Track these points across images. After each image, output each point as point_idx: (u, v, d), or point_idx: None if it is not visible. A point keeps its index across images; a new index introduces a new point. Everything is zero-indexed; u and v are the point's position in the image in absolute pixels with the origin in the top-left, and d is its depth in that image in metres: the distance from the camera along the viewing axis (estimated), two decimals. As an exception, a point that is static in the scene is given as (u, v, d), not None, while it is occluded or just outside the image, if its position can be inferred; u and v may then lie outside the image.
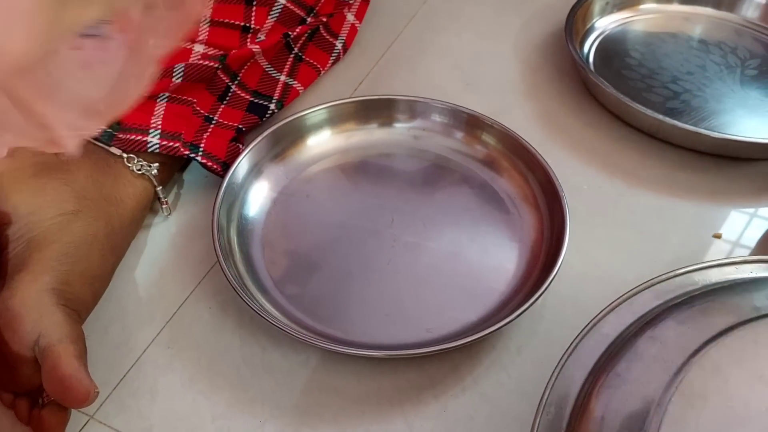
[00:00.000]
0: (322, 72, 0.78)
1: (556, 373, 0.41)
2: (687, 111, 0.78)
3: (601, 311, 0.44)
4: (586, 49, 0.86)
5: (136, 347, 0.57)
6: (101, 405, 0.53)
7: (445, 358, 0.56)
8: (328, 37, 0.79)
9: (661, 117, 0.72)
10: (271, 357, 0.56)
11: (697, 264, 0.47)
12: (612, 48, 0.86)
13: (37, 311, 0.49)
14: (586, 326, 0.43)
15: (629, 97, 0.74)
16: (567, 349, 0.43)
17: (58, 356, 0.47)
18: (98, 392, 0.48)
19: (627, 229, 0.66)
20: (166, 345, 0.57)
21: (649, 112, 0.72)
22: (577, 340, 0.42)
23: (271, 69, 0.72)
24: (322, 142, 0.71)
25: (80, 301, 0.52)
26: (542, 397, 0.40)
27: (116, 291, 0.60)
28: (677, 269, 0.46)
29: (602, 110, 0.78)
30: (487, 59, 0.85)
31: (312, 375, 0.55)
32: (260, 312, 0.54)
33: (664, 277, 0.46)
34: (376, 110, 0.72)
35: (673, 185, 0.71)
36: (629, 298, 0.45)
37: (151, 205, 0.65)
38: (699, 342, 0.38)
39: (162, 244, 0.64)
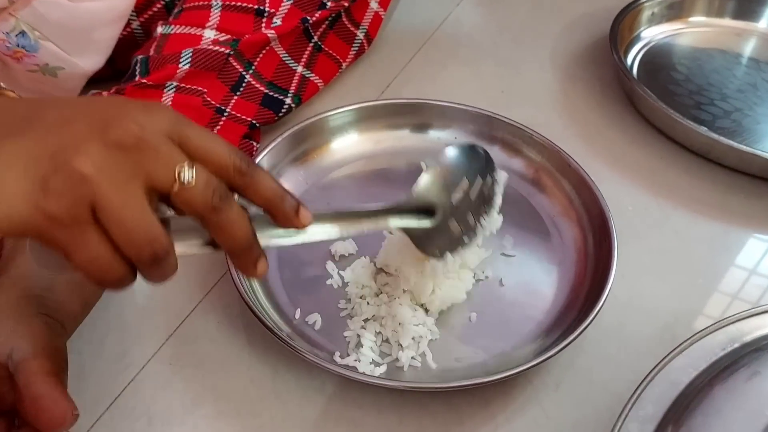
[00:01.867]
0: (344, 65, 0.73)
1: (619, 425, 0.35)
2: (738, 131, 0.72)
3: (669, 353, 0.38)
4: (629, 60, 0.81)
5: (134, 363, 0.51)
6: (92, 427, 0.48)
7: (475, 392, 0.50)
8: (349, 25, 0.74)
9: (715, 136, 0.66)
10: (283, 380, 0.51)
11: (776, 304, 0.41)
12: (657, 61, 0.81)
13: (12, 320, 0.43)
14: (653, 369, 0.37)
15: (676, 113, 0.68)
16: (632, 396, 0.37)
17: (32, 373, 0.41)
18: (77, 415, 0.42)
19: (675, 256, 0.61)
20: (167, 362, 0.52)
21: (701, 130, 0.67)
22: (642, 386, 0.37)
23: (289, 58, 0.67)
24: (347, 146, 0.66)
25: (65, 311, 0.47)
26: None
27: (114, 300, 0.55)
28: (753, 308, 0.41)
29: (647, 125, 0.73)
30: (524, 66, 0.80)
31: (327, 404, 0.50)
32: (273, 329, 0.49)
33: (737, 317, 0.40)
34: (408, 114, 0.66)
35: (725, 210, 0.65)
36: (699, 339, 0.39)
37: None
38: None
39: (168, 248, 0.59)
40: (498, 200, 0.53)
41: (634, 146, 0.71)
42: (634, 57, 0.81)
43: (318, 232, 0.43)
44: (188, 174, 0.35)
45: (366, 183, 0.64)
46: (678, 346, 0.39)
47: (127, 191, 0.34)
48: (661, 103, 0.70)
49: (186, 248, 0.38)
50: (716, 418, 0.34)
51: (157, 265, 0.36)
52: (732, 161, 0.68)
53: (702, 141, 0.68)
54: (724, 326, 0.40)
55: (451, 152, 0.51)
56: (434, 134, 0.67)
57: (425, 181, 0.49)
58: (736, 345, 0.39)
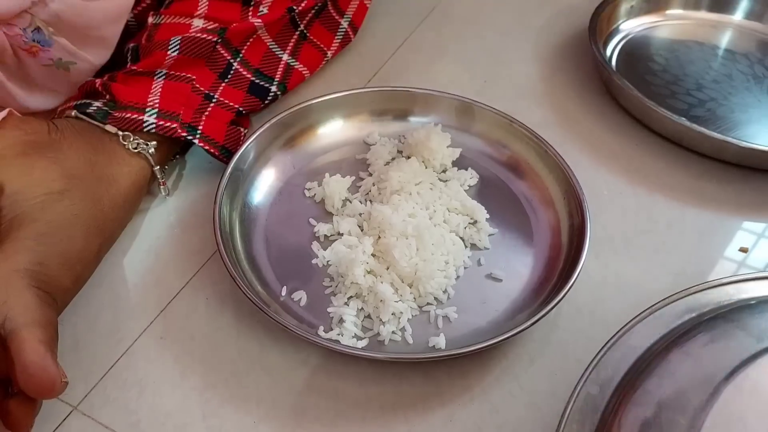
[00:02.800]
0: (329, 54, 0.75)
1: (579, 388, 0.38)
2: (712, 120, 0.75)
3: (630, 321, 0.41)
4: (608, 51, 0.83)
5: (127, 336, 0.54)
6: (86, 396, 0.50)
7: (453, 364, 0.53)
8: (334, 14, 0.75)
9: (688, 124, 0.69)
10: (269, 354, 0.53)
11: (732, 277, 0.44)
12: (636, 52, 0.83)
13: (4, 292, 0.45)
14: (613, 336, 0.40)
15: (652, 103, 0.71)
16: (592, 361, 0.40)
17: (23, 341, 0.43)
18: (66, 382, 0.44)
19: (648, 238, 0.63)
20: (158, 335, 0.54)
21: (675, 118, 0.69)
22: (603, 351, 0.39)
23: (275, 46, 0.69)
24: (332, 132, 0.68)
25: (57, 285, 0.49)
26: (564, 414, 0.37)
27: (108, 276, 0.57)
28: (711, 281, 0.43)
29: (624, 114, 0.75)
30: (507, 57, 0.82)
31: (311, 375, 0.52)
32: (260, 305, 0.51)
33: (695, 289, 0.43)
34: (391, 102, 0.69)
35: (697, 195, 0.68)
36: (659, 309, 0.42)
37: (150, 188, 0.62)
38: (736, 360, 0.35)
39: (160, 228, 0.61)
40: None
41: (611, 134, 0.73)
42: (613, 49, 0.84)
43: None
44: None
45: (351, 167, 0.66)
46: (638, 315, 0.41)
47: None
48: (637, 92, 0.72)
49: None
50: (670, 380, 0.36)
51: None
52: (705, 148, 0.70)
53: (676, 129, 0.70)
54: (683, 297, 0.43)
55: None
56: (416, 120, 0.69)
57: None
58: (694, 314, 0.42)
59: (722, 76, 0.81)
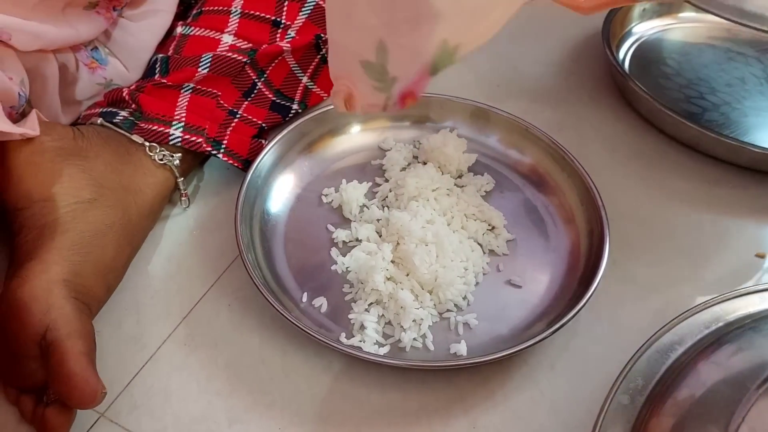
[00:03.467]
0: None
1: (610, 397, 0.38)
2: (726, 124, 0.75)
3: (658, 330, 0.41)
4: (621, 55, 0.83)
5: (151, 343, 0.54)
6: (112, 403, 0.51)
7: (475, 371, 0.53)
8: None
9: (702, 129, 0.69)
10: (292, 360, 0.53)
11: (757, 285, 0.44)
12: (648, 56, 0.84)
13: (45, 303, 0.46)
14: (642, 346, 0.40)
15: (666, 107, 0.71)
16: (623, 370, 0.40)
17: (65, 352, 0.44)
18: (105, 393, 0.45)
19: (666, 244, 0.64)
20: (182, 342, 0.54)
21: (690, 123, 0.70)
22: (632, 361, 0.40)
23: (297, 69, 0.69)
24: (349, 138, 0.68)
25: (92, 294, 0.50)
26: (596, 424, 0.37)
27: (131, 283, 0.57)
28: (736, 290, 0.44)
29: (638, 118, 0.76)
30: (519, 62, 0.82)
31: (334, 382, 0.52)
32: (282, 311, 0.51)
33: (721, 298, 0.43)
34: (409, 108, 0.68)
35: (713, 201, 0.68)
36: (686, 318, 0.42)
37: (170, 197, 0.63)
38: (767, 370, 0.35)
39: (181, 236, 0.61)
40: None
41: (626, 139, 0.73)
42: (625, 52, 0.84)
43: None
44: None
45: (367, 173, 0.66)
46: (666, 325, 0.42)
47: None
48: (652, 97, 0.72)
49: None
50: (701, 390, 0.37)
51: None
52: (720, 153, 0.71)
53: (691, 134, 0.71)
54: (709, 306, 0.43)
55: None
56: (431, 126, 0.69)
57: None
58: (721, 324, 0.42)
59: (735, 80, 0.81)
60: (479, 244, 0.60)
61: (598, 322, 0.57)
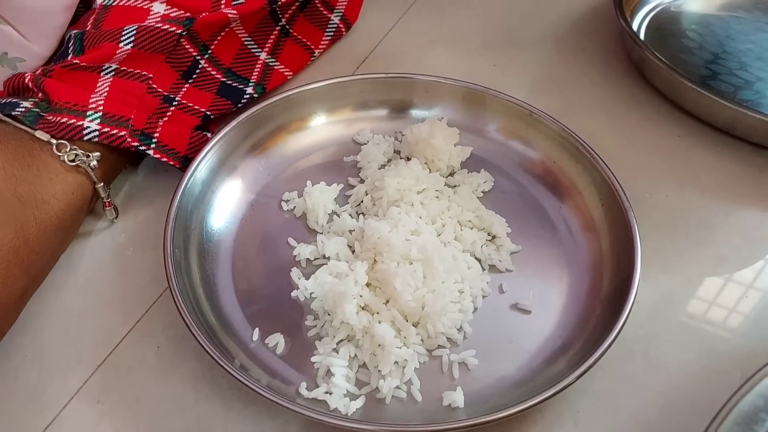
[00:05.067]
0: (317, 53, 0.64)
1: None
2: (764, 103, 0.64)
3: (736, 392, 0.29)
4: (635, 26, 0.71)
5: (55, 400, 0.42)
6: (-5, 488, 0.38)
7: (474, 430, 0.41)
8: (322, 8, 0.64)
9: (742, 109, 0.57)
10: (237, 420, 0.41)
11: None
12: (666, 27, 0.72)
13: None
14: (716, 417, 0.28)
15: (696, 84, 0.59)
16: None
17: None
18: None
19: (704, 250, 0.52)
20: (94, 398, 0.42)
21: (726, 102, 0.58)
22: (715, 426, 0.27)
23: (251, 43, 0.58)
24: (314, 131, 0.56)
25: None
26: None
27: (34, 320, 0.45)
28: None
29: (660, 99, 0.64)
30: (519, 37, 0.70)
31: (292, 447, 0.40)
32: (223, 359, 0.39)
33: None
34: (385, 92, 0.57)
35: (756, 194, 0.56)
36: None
37: (92, 207, 0.51)
38: None
39: (103, 257, 0.49)
40: None
41: (648, 123, 0.62)
42: (639, 23, 0.72)
43: None
44: None
45: (338, 173, 0.54)
46: (746, 381, 0.30)
47: None
48: (678, 72, 0.60)
49: None
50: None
51: None
52: (762, 137, 0.59)
53: (727, 115, 0.59)
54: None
55: None
56: (418, 113, 0.57)
57: None
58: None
59: (767, 53, 0.69)
60: (477, 258, 0.48)
61: (629, 356, 0.45)
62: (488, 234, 0.50)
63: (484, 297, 0.47)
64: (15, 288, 0.42)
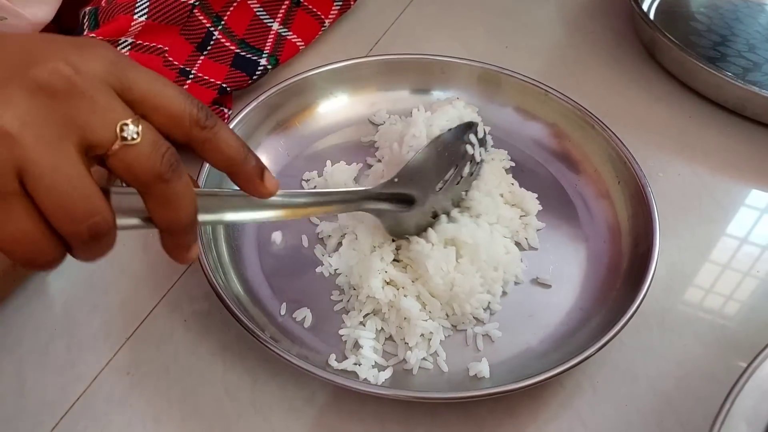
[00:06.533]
0: (327, 23, 0.64)
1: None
2: (774, 84, 0.64)
3: (757, 356, 0.30)
4: (644, 9, 0.72)
5: (85, 373, 0.43)
6: (32, 455, 0.39)
7: (498, 399, 0.42)
8: None
9: (755, 89, 0.58)
10: (264, 390, 0.42)
11: None
12: (675, 10, 0.73)
13: None
14: (739, 378, 0.29)
15: (707, 64, 0.60)
16: (717, 418, 0.29)
17: None
18: None
19: (717, 228, 0.53)
20: (124, 370, 0.43)
21: (738, 82, 0.59)
22: (729, 400, 0.28)
23: (263, 13, 0.58)
24: (334, 111, 0.57)
25: None
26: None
27: (61, 296, 0.46)
28: None
29: (671, 80, 0.65)
30: (529, 19, 0.71)
31: (319, 417, 0.41)
32: (252, 329, 0.40)
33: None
34: (400, 73, 0.58)
35: (766, 172, 0.57)
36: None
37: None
38: None
39: (125, 233, 0.49)
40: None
41: (659, 104, 0.62)
42: (648, 6, 0.73)
43: (275, 209, 0.36)
44: (132, 130, 0.28)
45: (356, 153, 0.54)
46: (764, 349, 0.30)
47: (58, 151, 0.26)
48: (688, 52, 0.61)
49: (125, 221, 0.31)
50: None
51: (95, 243, 0.28)
52: (771, 116, 0.60)
53: (737, 95, 0.60)
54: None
55: (449, 136, 0.46)
56: (436, 95, 0.57)
57: (415, 163, 0.44)
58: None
59: (776, 35, 0.71)
60: (516, 242, 0.49)
61: (646, 326, 0.46)
62: (522, 212, 0.50)
63: (516, 284, 0.47)
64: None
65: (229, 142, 0.32)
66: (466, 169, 0.47)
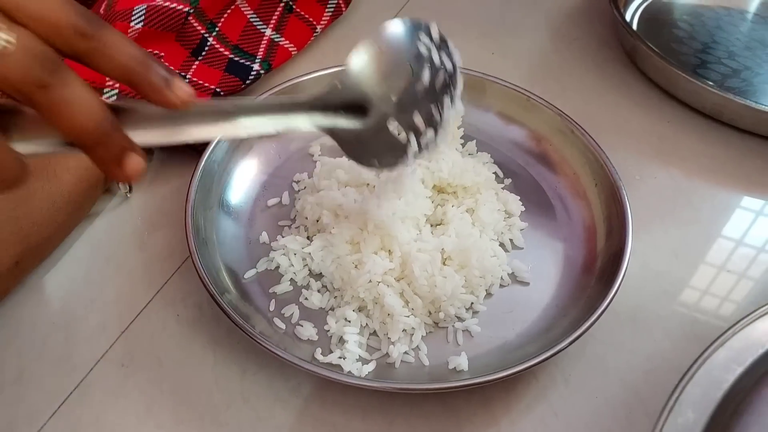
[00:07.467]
0: (318, 29, 0.66)
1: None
2: (750, 91, 0.66)
3: (708, 347, 0.32)
4: (628, 17, 0.74)
5: (81, 364, 0.45)
6: (31, 442, 0.41)
7: (474, 391, 0.44)
8: None
9: (730, 95, 0.60)
10: (252, 381, 0.44)
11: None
12: (658, 18, 0.75)
13: None
14: (690, 368, 0.31)
15: (684, 72, 0.62)
16: (666, 404, 0.31)
17: None
18: None
19: (690, 229, 0.55)
20: (119, 362, 0.45)
21: (714, 89, 0.61)
22: (679, 389, 0.30)
23: (257, 19, 0.60)
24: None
25: None
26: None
27: (59, 292, 0.48)
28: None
29: (651, 86, 0.67)
30: (515, 26, 0.73)
31: (304, 407, 0.43)
32: (241, 324, 0.42)
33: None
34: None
35: (741, 177, 0.59)
36: (742, 329, 0.33)
37: (108, 185, 0.53)
38: None
39: (122, 233, 0.52)
40: (458, 89, 0.42)
41: (638, 109, 0.64)
42: (632, 14, 0.75)
43: (200, 122, 0.32)
44: (2, 38, 0.26)
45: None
46: (718, 338, 0.33)
47: None
48: (667, 60, 0.63)
49: (35, 147, 0.29)
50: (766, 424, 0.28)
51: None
52: (747, 123, 0.62)
53: (714, 101, 0.62)
54: (765, 314, 0.34)
55: (392, 29, 0.40)
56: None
57: (357, 63, 0.38)
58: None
59: (755, 43, 0.73)
60: (501, 244, 0.51)
61: (617, 323, 0.48)
62: (505, 212, 0.52)
63: (502, 287, 0.49)
64: (7, 255, 0.43)
65: (122, 48, 0.29)
66: (426, 76, 0.41)
